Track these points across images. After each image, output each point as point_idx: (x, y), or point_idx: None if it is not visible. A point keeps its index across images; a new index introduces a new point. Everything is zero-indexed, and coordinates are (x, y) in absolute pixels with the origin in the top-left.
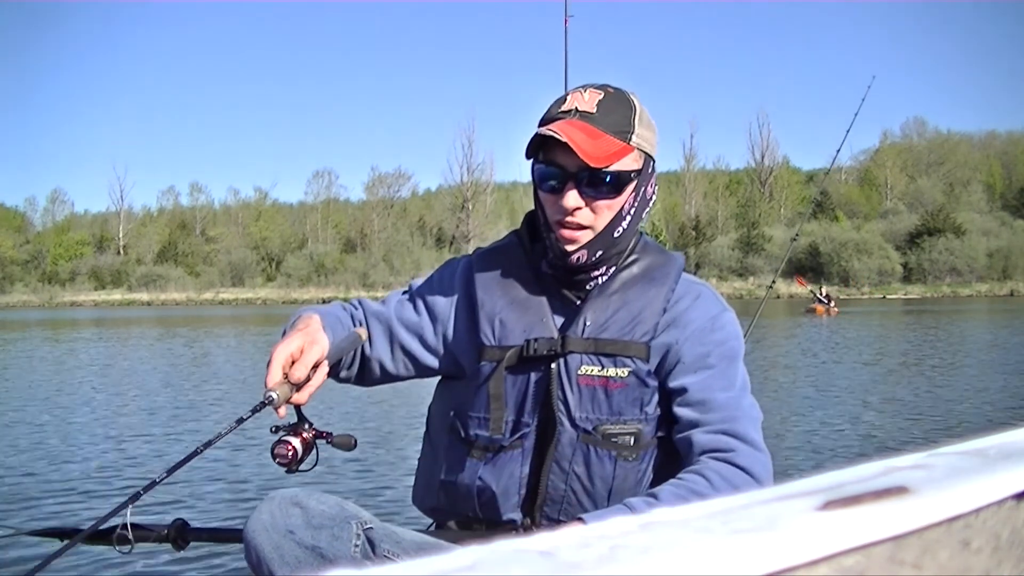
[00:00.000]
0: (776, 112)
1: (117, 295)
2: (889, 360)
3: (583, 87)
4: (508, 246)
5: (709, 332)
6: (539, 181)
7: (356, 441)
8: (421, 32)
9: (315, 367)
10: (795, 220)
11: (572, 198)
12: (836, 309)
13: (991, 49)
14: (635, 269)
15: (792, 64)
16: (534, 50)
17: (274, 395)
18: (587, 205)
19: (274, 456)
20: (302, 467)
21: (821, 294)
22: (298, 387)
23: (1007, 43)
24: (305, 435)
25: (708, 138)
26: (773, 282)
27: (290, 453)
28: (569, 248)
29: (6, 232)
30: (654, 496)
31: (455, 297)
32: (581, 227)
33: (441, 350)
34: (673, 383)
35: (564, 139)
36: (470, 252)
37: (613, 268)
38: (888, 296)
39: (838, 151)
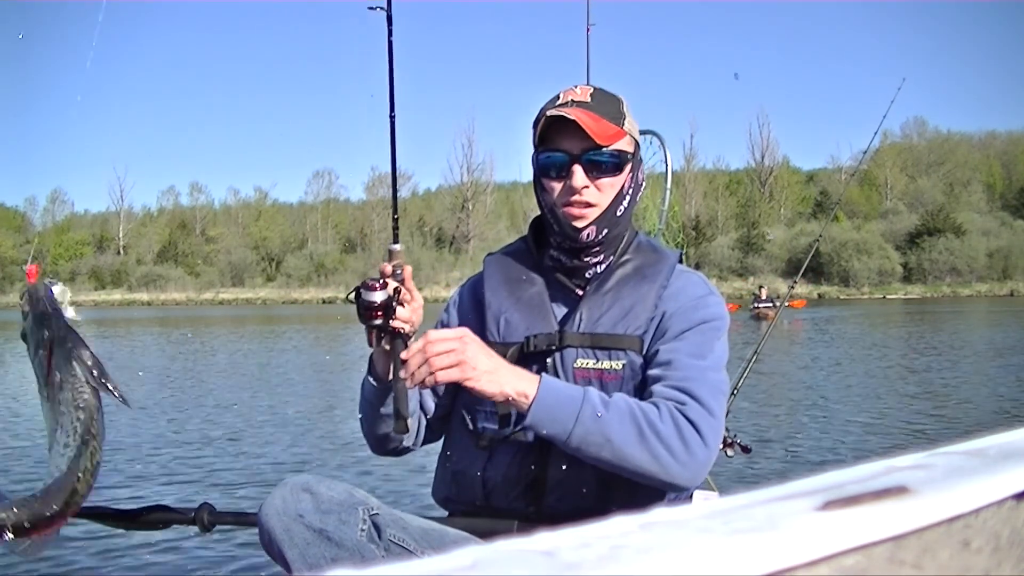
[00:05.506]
0: (776, 112)
1: (117, 295)
2: (888, 360)
3: (574, 85)
4: (516, 250)
5: (693, 311)
6: (545, 167)
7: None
8: (421, 32)
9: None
10: (795, 220)
11: (579, 177)
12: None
13: (991, 49)
14: (629, 268)
15: (792, 64)
16: (534, 50)
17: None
18: (592, 183)
19: (363, 285)
20: (372, 317)
21: (763, 296)
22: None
23: (1007, 43)
24: (388, 307)
25: (708, 138)
26: (794, 283)
27: (378, 284)
28: (579, 224)
29: (6, 232)
30: (608, 397)
31: (465, 308)
32: (589, 205)
33: None
34: (651, 350)
35: (572, 118)
36: (470, 252)
37: (611, 259)
38: (888, 296)
39: (865, 153)
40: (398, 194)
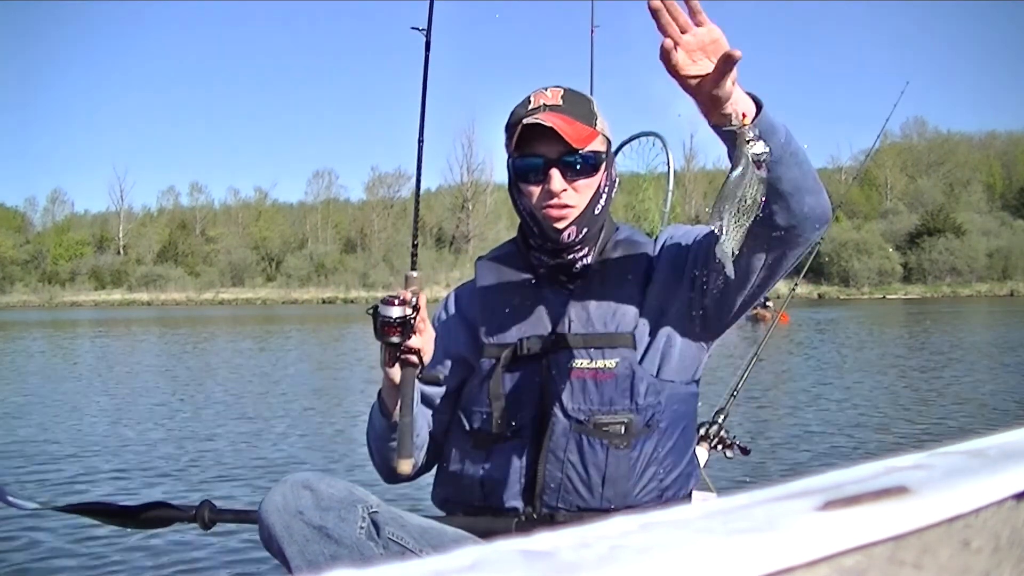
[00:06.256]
0: (776, 112)
1: (117, 295)
2: (888, 360)
3: (544, 87)
4: (506, 253)
5: (675, 238)
6: (522, 173)
7: (443, 379)
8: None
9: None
10: None
11: (557, 181)
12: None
13: (991, 49)
14: (613, 265)
15: (792, 64)
16: (537, 51)
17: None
18: (569, 186)
19: (383, 300)
20: (389, 333)
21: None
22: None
23: (1007, 43)
24: (405, 324)
25: (708, 138)
26: (795, 285)
27: (396, 301)
28: (559, 226)
29: (6, 232)
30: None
31: (455, 318)
32: (567, 207)
33: (452, 370)
34: (687, 275)
35: (549, 124)
36: (470, 252)
37: (593, 253)
38: (888, 296)
39: (867, 156)
40: (399, 194)
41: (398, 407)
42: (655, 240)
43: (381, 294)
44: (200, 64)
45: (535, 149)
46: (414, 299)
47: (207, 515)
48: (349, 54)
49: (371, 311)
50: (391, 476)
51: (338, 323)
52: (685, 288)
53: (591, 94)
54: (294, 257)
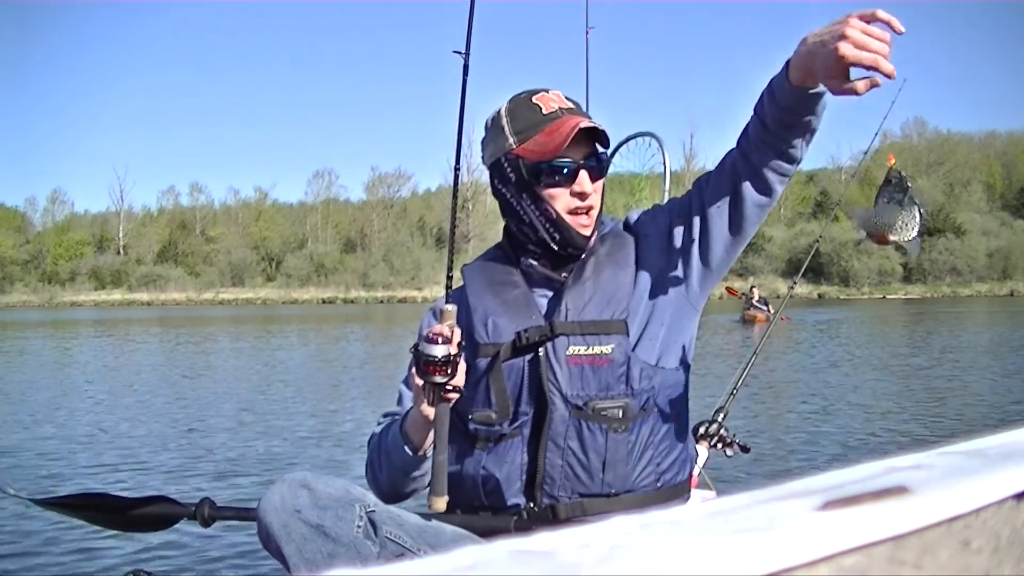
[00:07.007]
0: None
1: (117, 295)
2: (888, 360)
3: (545, 90)
4: (493, 257)
5: (652, 215)
6: (550, 176)
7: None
8: (420, 32)
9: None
10: (795, 220)
11: (588, 183)
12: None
13: (991, 49)
14: (602, 255)
15: None
16: (533, 52)
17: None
18: (593, 187)
19: (425, 338)
20: (432, 373)
21: (755, 297)
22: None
23: (1007, 43)
24: (450, 363)
25: (708, 138)
26: (794, 283)
27: (440, 339)
28: (586, 232)
29: (6, 232)
30: None
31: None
32: (592, 208)
33: None
34: (688, 229)
35: (603, 128)
36: (470, 252)
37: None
38: (888, 296)
39: (865, 153)
40: (398, 194)
41: (427, 442)
42: (628, 224)
43: (380, 294)
44: (200, 64)
45: (564, 152)
46: (452, 335)
47: (207, 512)
48: (349, 54)
49: (413, 350)
50: (396, 499)
51: (338, 323)
52: (678, 250)
53: (587, 94)
54: (294, 257)
